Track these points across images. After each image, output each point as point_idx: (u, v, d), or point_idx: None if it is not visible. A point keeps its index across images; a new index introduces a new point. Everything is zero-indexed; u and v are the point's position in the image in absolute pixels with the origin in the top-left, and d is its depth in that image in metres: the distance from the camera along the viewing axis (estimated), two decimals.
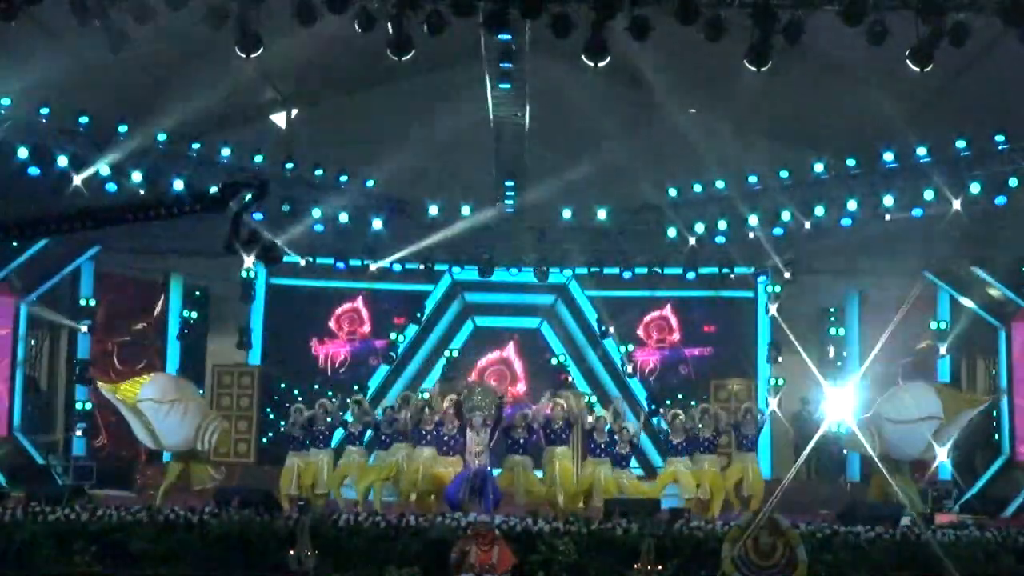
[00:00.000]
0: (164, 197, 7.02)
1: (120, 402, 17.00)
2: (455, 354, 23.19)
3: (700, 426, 17.09)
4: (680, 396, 23.16)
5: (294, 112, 23.53)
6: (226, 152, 20.43)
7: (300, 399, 18.77)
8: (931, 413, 16.43)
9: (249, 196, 7.25)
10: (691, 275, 22.74)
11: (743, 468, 17.00)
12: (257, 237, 7.49)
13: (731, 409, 18.64)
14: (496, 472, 16.29)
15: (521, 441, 16.37)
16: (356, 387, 22.20)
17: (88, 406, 21.16)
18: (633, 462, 17.51)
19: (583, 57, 14.46)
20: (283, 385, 22.84)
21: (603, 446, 16.62)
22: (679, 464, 16.80)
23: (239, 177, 7.56)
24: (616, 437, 16.72)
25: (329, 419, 16.85)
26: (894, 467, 16.70)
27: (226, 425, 17.36)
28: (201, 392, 21.93)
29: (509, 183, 21.51)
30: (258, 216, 20.90)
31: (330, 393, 19.77)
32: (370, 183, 21.55)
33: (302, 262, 22.56)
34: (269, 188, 7.62)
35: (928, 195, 19.52)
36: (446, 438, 16.29)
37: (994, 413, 21.16)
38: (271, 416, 22.33)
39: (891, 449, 16.47)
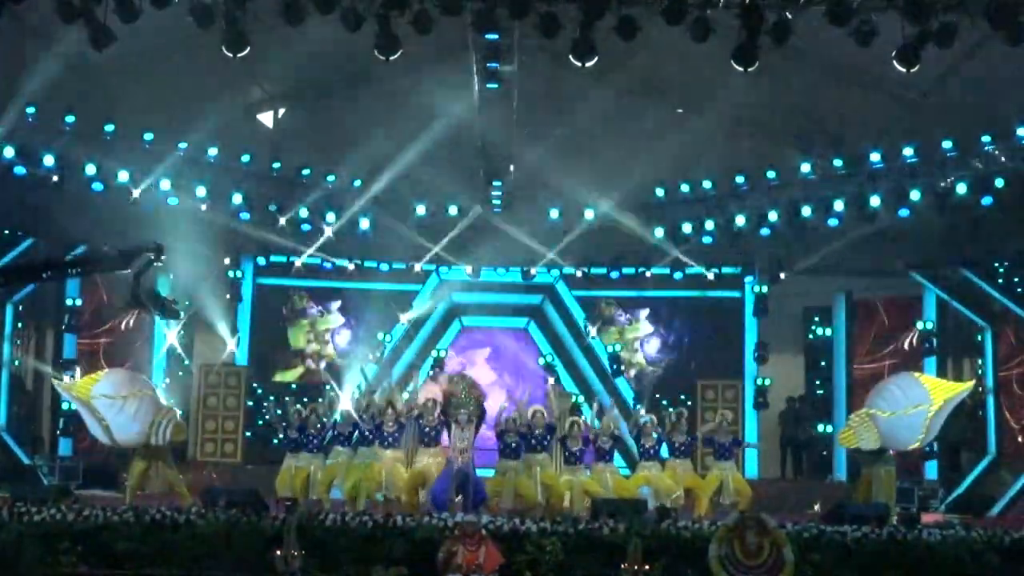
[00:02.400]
0: (74, 258, 7.79)
1: (75, 398, 16.88)
2: (442, 354, 23.17)
3: (673, 431, 17.11)
4: (664, 401, 23.22)
5: (281, 112, 23.49)
6: (213, 152, 20.41)
7: (287, 399, 18.71)
8: (920, 401, 16.44)
9: (148, 258, 8.35)
10: (678, 275, 22.79)
11: (721, 476, 17.00)
12: (156, 294, 8.66)
13: (711, 419, 18.65)
14: (485, 473, 16.33)
15: (513, 445, 16.32)
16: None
17: (74, 406, 21.07)
18: (619, 460, 17.44)
19: (571, 57, 14.46)
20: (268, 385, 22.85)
21: (577, 454, 16.59)
22: (651, 468, 16.77)
23: (139, 242, 8.62)
24: (593, 436, 16.73)
25: (321, 421, 16.79)
26: (881, 460, 16.71)
27: (180, 420, 17.06)
28: (194, 389, 22.04)
29: (496, 183, 21.53)
30: (245, 216, 21.03)
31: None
32: (357, 183, 21.54)
33: (298, 263, 22.55)
34: (164, 251, 8.61)
35: (915, 195, 19.58)
36: (427, 429, 16.33)
37: (979, 413, 21.23)
38: (262, 418, 22.28)
39: (887, 442, 16.47)
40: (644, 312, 23.79)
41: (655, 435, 16.98)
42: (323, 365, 23.19)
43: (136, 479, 16.32)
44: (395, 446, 16.35)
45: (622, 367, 23.31)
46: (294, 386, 22.35)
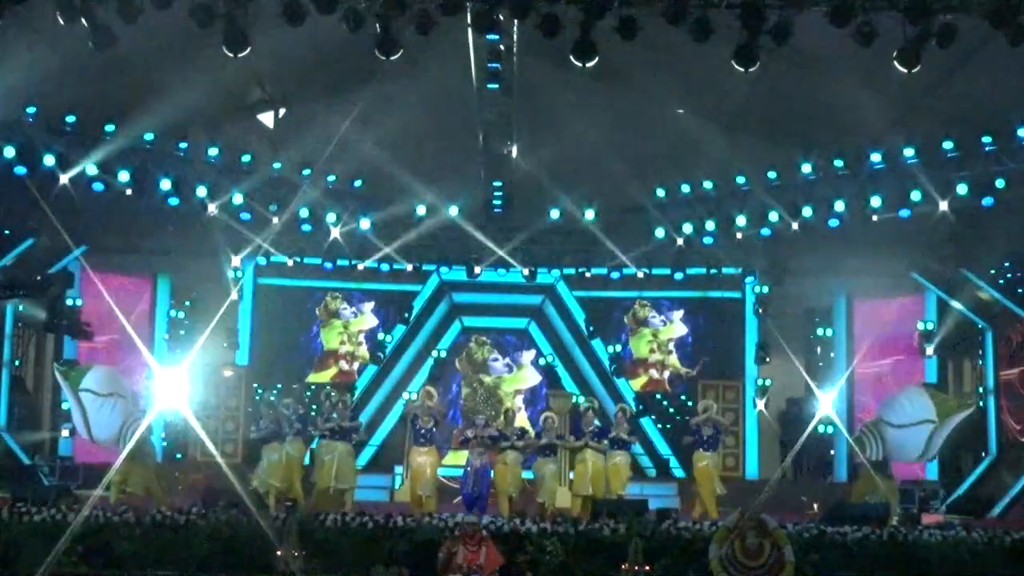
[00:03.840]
0: None
1: (67, 387, 16.83)
2: (443, 355, 23.16)
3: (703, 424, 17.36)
4: (664, 400, 23.27)
5: (281, 112, 23.50)
6: (213, 152, 20.41)
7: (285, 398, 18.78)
8: (926, 416, 16.50)
9: (61, 286, 8.79)
10: (679, 276, 22.82)
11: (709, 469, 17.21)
12: (72, 319, 8.99)
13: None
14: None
15: (515, 439, 16.80)
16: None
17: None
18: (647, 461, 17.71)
19: (571, 57, 14.45)
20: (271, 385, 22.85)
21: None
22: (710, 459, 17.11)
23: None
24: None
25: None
26: (882, 470, 16.72)
27: (145, 425, 16.95)
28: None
29: (497, 183, 21.53)
30: (246, 216, 21.03)
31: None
32: (358, 183, 21.55)
33: (289, 262, 22.56)
34: (73, 282, 8.98)
35: (915, 196, 19.56)
36: (422, 430, 16.74)
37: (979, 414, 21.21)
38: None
39: (892, 452, 16.51)
40: (678, 313, 23.74)
41: (597, 423, 17.29)
42: (356, 366, 23.28)
43: (122, 475, 16.30)
44: (344, 439, 16.74)
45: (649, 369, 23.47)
46: (328, 387, 22.35)
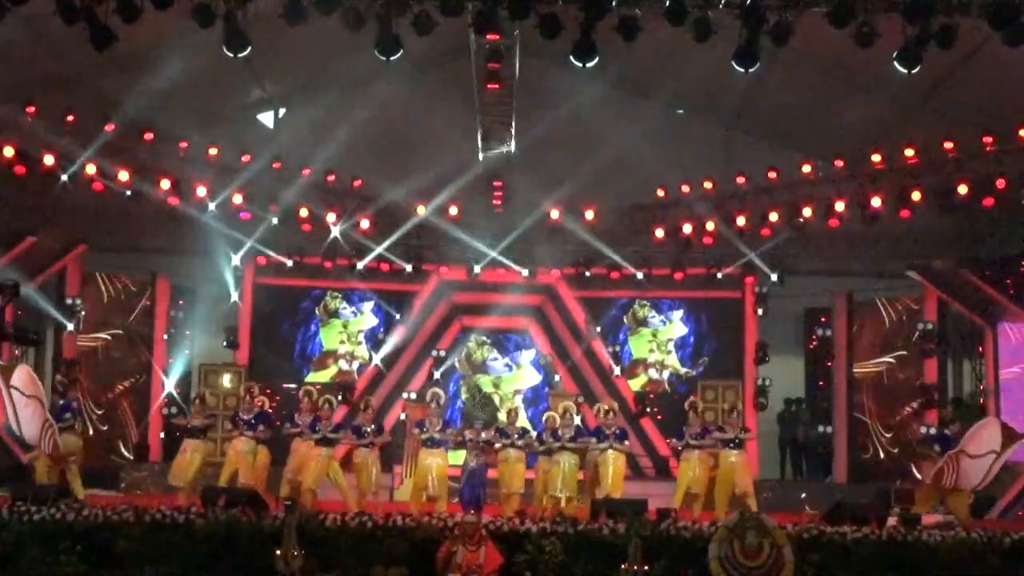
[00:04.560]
0: None
1: (2, 384, 16.63)
2: (443, 355, 23.14)
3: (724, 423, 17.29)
4: (664, 400, 23.23)
5: (281, 111, 23.51)
6: (213, 152, 20.40)
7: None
8: (993, 447, 16.53)
9: (9, 295, 8.92)
10: (678, 276, 22.79)
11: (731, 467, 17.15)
12: (19, 327, 9.18)
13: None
14: None
15: (516, 437, 16.78)
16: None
17: (72, 405, 20.95)
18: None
19: (572, 58, 14.46)
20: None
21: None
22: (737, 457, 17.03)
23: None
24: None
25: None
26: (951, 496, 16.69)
27: (59, 438, 16.74)
28: (194, 388, 22.06)
29: (497, 183, 21.53)
30: (246, 216, 21.03)
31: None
32: (357, 183, 21.55)
33: (289, 262, 22.55)
34: (20, 290, 9.16)
35: (915, 196, 19.56)
36: (430, 431, 16.66)
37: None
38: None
39: (961, 480, 16.52)
40: (678, 313, 23.74)
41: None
42: (356, 366, 23.27)
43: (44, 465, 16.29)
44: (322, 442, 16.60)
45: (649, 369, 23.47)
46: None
